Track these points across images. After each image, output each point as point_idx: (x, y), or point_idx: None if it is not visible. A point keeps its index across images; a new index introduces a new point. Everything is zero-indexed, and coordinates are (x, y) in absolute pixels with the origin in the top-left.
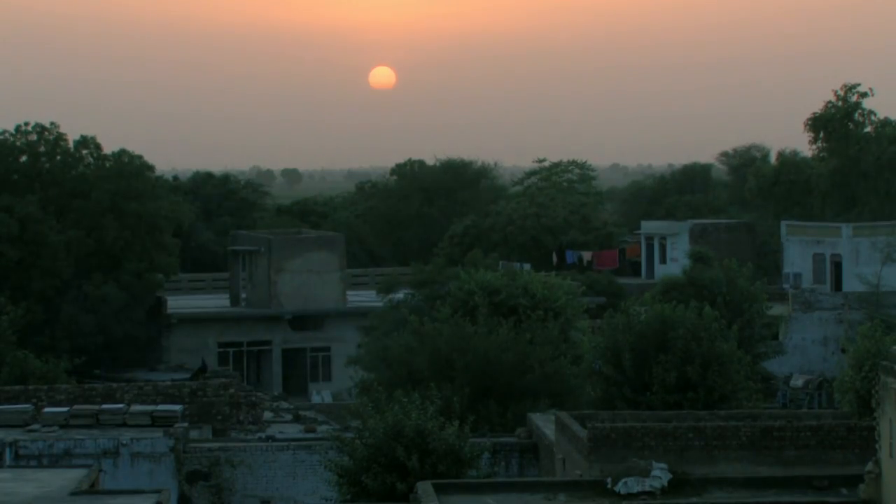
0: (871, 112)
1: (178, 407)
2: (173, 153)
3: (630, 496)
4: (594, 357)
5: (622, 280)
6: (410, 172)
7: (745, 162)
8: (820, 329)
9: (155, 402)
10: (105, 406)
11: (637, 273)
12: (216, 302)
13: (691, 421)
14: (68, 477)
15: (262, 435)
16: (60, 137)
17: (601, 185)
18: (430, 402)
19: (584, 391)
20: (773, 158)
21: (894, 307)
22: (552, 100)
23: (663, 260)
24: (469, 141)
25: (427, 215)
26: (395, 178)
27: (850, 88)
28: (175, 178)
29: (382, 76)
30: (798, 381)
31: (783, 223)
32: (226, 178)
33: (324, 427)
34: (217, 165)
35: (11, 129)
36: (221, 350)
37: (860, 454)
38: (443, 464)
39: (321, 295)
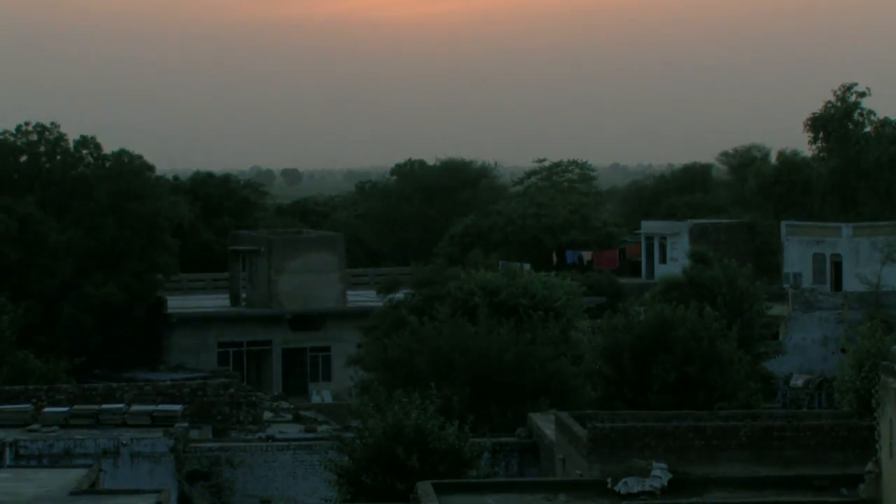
0: (870, 112)
1: (178, 407)
2: (173, 153)
3: (630, 496)
4: (594, 357)
5: (622, 280)
6: (410, 172)
7: (745, 162)
8: (820, 329)
9: (155, 402)
10: (105, 406)
11: (637, 273)
12: (216, 302)
13: (691, 421)
14: (68, 477)
15: (262, 435)
16: (60, 137)
17: (601, 185)
18: (430, 401)
19: (584, 391)
20: (773, 158)
21: (894, 307)
22: (552, 100)
23: (663, 260)
24: (469, 141)
25: (427, 215)
26: (395, 178)
27: (849, 88)
28: (175, 178)
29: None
30: (798, 381)
31: (783, 223)
32: (226, 178)
33: (324, 427)
34: (217, 165)
35: (12, 129)
36: (221, 350)
37: (860, 454)
38: (443, 464)
39: (321, 295)
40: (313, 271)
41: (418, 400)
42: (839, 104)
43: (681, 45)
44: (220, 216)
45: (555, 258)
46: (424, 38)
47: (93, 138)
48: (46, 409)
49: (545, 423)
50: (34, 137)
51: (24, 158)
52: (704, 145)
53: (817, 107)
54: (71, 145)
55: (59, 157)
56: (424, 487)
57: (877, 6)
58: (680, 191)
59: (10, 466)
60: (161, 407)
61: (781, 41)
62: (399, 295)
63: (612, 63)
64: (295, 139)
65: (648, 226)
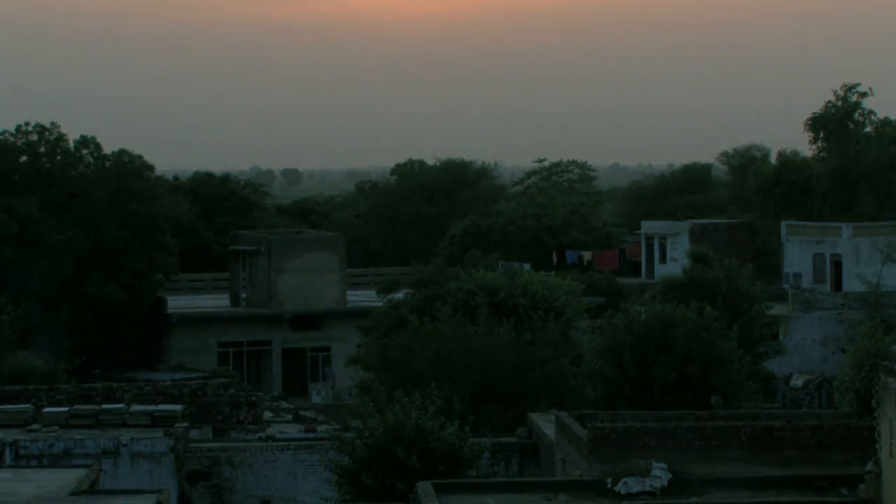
0: (871, 112)
1: (178, 407)
2: (173, 153)
3: (630, 496)
4: (594, 357)
5: (622, 280)
6: (410, 172)
7: (745, 162)
8: (820, 329)
9: (155, 402)
10: (105, 406)
11: (637, 273)
12: (216, 302)
13: (691, 421)
14: (68, 477)
15: (262, 435)
16: (61, 137)
17: (601, 185)
18: (430, 401)
19: (584, 391)
20: (773, 158)
21: (894, 307)
22: (552, 99)
23: (663, 260)
24: (469, 141)
25: (427, 215)
26: (395, 178)
27: (850, 88)
28: (175, 178)
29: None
30: (798, 381)
31: (783, 223)
32: (226, 178)
33: (324, 427)
34: (217, 165)
35: (12, 129)
36: (221, 350)
37: (860, 454)
38: (443, 464)
39: (321, 295)
40: (313, 271)
41: (418, 400)
42: (840, 104)
43: (681, 44)
44: (220, 216)
45: (555, 258)
46: (424, 38)
47: (93, 138)
48: (46, 409)
49: (545, 423)
50: (34, 137)
51: (24, 158)
52: (704, 145)
53: (817, 107)
54: (71, 145)
55: (59, 158)
56: (424, 487)
57: (879, 6)
58: (680, 191)
59: (10, 466)
60: (161, 407)
61: (781, 40)
62: (399, 295)
63: (613, 63)
64: (295, 139)
65: (648, 226)
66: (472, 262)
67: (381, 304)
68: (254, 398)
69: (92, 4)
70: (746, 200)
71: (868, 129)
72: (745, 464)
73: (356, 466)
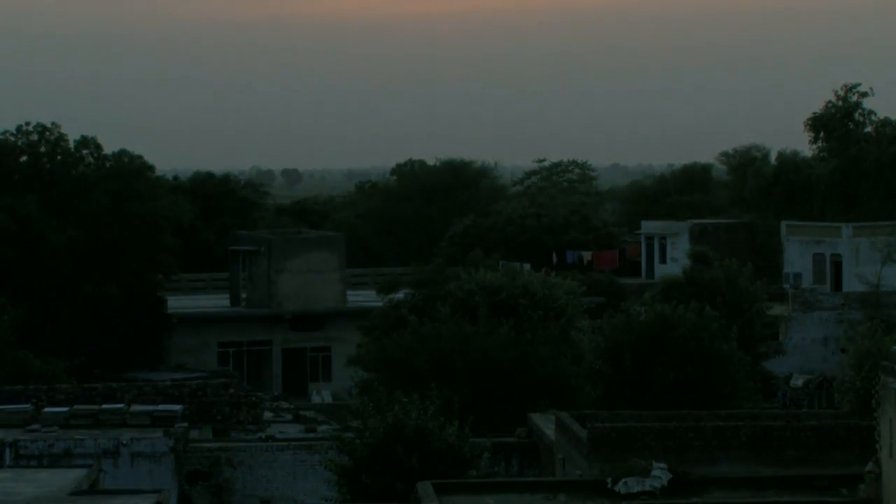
0: (871, 112)
1: (178, 407)
2: (173, 153)
3: (630, 496)
4: (594, 357)
5: (622, 280)
6: (410, 172)
7: (745, 162)
8: (820, 329)
9: (155, 402)
10: (105, 406)
11: (637, 273)
12: (216, 302)
13: (691, 421)
14: (68, 477)
15: (262, 435)
16: (61, 138)
17: (601, 185)
18: (430, 401)
19: (584, 391)
20: (773, 158)
21: (894, 307)
22: (552, 99)
23: (663, 260)
24: (469, 141)
25: (427, 215)
26: (395, 178)
27: (850, 88)
28: (175, 178)
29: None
30: (798, 381)
31: (783, 223)
32: (226, 178)
33: (324, 427)
34: (217, 165)
35: (12, 129)
36: (221, 350)
37: (860, 454)
38: (443, 464)
39: (321, 295)
40: (313, 271)
41: (418, 400)
42: (840, 104)
43: (681, 44)
44: (220, 216)
45: (555, 258)
46: (425, 38)
47: (93, 138)
48: (46, 409)
49: (545, 423)
50: (34, 137)
51: (24, 158)
52: (704, 145)
53: (817, 107)
54: (71, 145)
55: (59, 158)
56: (424, 487)
57: (879, 6)
58: (680, 191)
59: (10, 466)
60: (161, 407)
61: (782, 40)
62: (399, 295)
63: (612, 63)
64: (295, 139)
65: (648, 226)
66: (474, 262)
67: (381, 304)
68: (254, 398)
69: (92, 4)
70: (746, 200)
71: (868, 129)
72: (745, 464)
73: (356, 466)
